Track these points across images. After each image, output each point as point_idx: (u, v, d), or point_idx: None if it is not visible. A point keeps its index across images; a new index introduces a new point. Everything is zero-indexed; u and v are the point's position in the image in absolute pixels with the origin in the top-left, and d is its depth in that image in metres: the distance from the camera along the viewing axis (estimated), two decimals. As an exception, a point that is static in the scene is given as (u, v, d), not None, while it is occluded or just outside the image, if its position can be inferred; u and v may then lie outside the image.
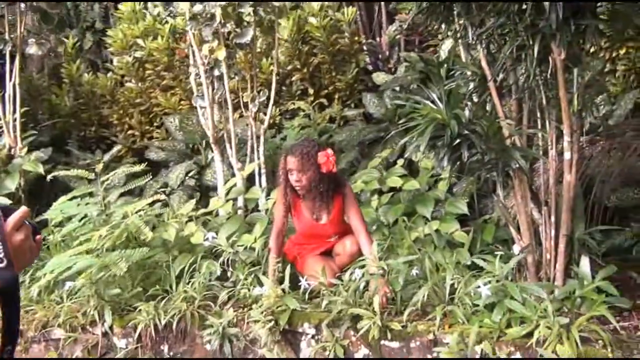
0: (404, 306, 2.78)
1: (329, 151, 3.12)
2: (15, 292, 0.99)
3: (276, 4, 4.03)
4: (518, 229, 2.84)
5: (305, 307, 2.95)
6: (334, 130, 5.04)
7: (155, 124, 5.82)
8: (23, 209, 1.05)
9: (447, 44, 4.57)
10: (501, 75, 2.68)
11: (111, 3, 6.87)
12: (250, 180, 4.14)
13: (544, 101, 2.65)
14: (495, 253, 2.83)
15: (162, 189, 4.48)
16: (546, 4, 2.21)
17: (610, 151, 3.42)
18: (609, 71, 4.46)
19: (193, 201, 4.01)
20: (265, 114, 4.27)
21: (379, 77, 5.17)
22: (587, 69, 2.99)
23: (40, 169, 4.45)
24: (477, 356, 2.46)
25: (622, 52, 4.38)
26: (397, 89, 4.87)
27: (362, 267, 2.92)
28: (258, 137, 4.18)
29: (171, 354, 3.15)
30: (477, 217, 3.64)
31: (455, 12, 2.75)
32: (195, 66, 4.08)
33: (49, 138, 5.51)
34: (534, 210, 2.77)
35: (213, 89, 4.06)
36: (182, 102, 5.62)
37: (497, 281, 2.64)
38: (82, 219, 3.69)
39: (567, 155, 2.57)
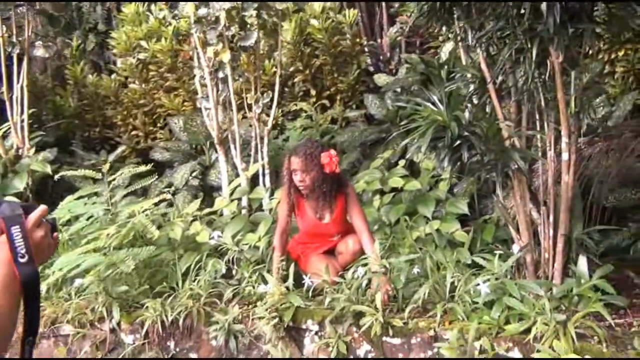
0: (406, 303, 2.82)
1: (332, 152, 3.16)
2: (37, 286, 1.02)
3: (279, 7, 4.07)
4: (517, 229, 2.86)
5: (308, 304, 2.98)
6: (336, 131, 5.06)
7: (158, 125, 5.86)
8: (42, 207, 1.08)
9: (448, 46, 4.60)
10: (500, 78, 2.70)
11: (114, 5, 6.92)
12: (254, 180, 4.18)
13: (543, 103, 2.68)
14: (495, 252, 2.85)
15: (167, 189, 4.52)
16: (544, 8, 2.24)
17: (609, 152, 3.44)
18: (608, 73, 4.47)
19: (198, 201, 4.06)
20: (268, 115, 4.29)
21: (380, 79, 5.20)
22: (585, 72, 3.02)
23: (48, 169, 4.51)
24: (476, 351, 2.51)
25: (620, 54, 4.41)
26: (399, 90, 4.89)
27: (365, 265, 2.96)
28: (262, 138, 4.20)
29: (177, 349, 3.19)
30: (477, 217, 3.67)
31: (455, 16, 2.77)
32: (200, 68, 4.11)
33: (54, 138, 5.56)
34: (533, 210, 2.80)
35: (217, 91, 4.10)
36: (185, 103, 5.66)
37: (497, 279, 2.68)
38: (89, 218, 3.74)
39: (565, 156, 2.60)
